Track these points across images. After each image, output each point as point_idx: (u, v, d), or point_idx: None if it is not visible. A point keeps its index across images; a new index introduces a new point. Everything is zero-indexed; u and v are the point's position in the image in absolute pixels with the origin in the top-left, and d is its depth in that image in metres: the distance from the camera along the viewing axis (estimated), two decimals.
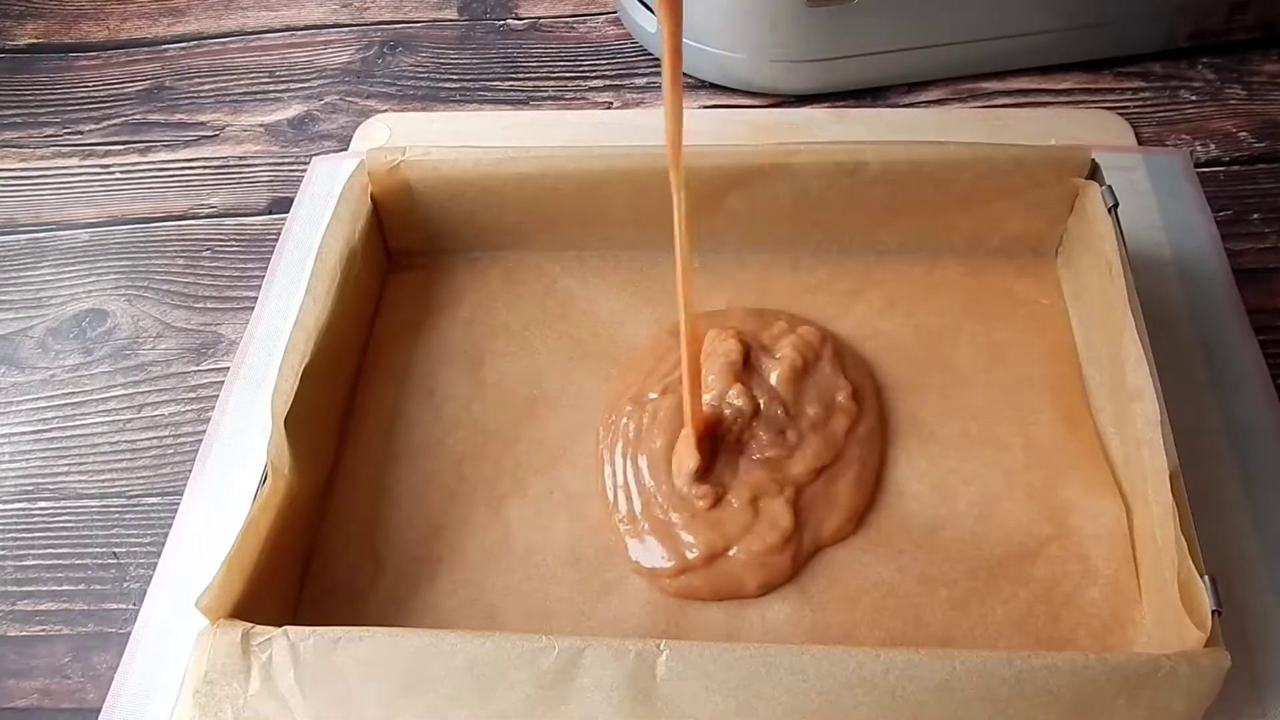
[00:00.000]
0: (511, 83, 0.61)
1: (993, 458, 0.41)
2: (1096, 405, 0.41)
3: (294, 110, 0.61)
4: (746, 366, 0.43)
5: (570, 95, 0.60)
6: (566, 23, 0.65)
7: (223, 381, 0.47)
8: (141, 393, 0.48)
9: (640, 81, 0.60)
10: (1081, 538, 0.38)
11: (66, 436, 0.47)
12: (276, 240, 0.52)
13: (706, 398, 0.42)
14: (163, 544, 0.42)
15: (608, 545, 0.39)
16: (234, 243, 0.54)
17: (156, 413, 0.47)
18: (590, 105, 0.59)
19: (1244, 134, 0.55)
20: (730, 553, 0.39)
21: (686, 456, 0.40)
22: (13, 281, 0.53)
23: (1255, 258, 0.49)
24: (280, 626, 0.33)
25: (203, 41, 0.66)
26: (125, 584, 0.42)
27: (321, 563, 0.39)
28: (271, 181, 0.57)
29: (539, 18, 0.66)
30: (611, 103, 0.59)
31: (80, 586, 0.42)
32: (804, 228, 0.46)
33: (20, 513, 0.44)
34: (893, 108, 0.57)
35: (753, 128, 0.56)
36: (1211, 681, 0.31)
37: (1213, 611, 0.31)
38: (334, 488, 0.41)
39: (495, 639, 0.32)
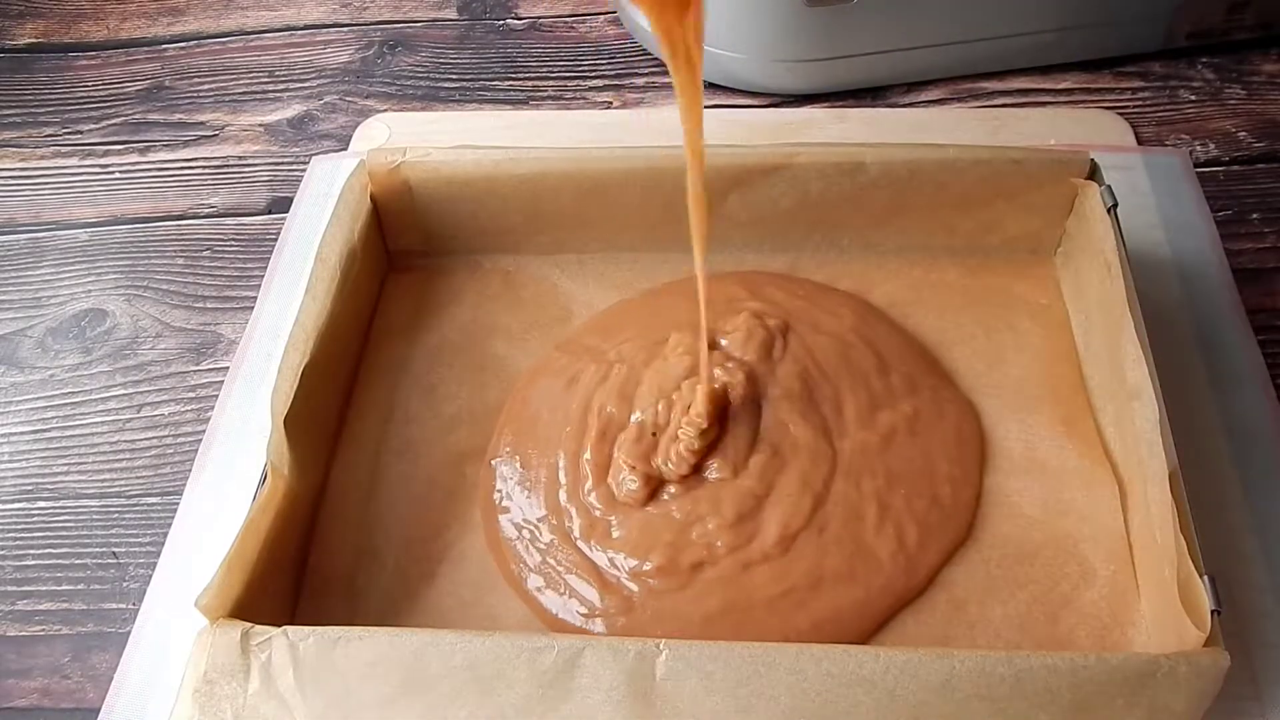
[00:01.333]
0: (511, 83, 0.61)
1: (991, 459, 0.41)
2: (1096, 405, 0.41)
3: (293, 110, 0.61)
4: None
5: (570, 95, 0.60)
6: (566, 22, 0.65)
7: (222, 381, 0.47)
8: (141, 392, 0.48)
9: (640, 81, 0.60)
10: (1080, 538, 0.38)
11: (66, 436, 0.47)
12: (276, 240, 0.52)
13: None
14: (162, 544, 0.42)
15: None
16: (233, 242, 0.54)
17: (156, 412, 0.47)
18: (590, 105, 0.59)
19: (1243, 134, 0.55)
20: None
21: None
22: (12, 281, 0.53)
23: (1254, 257, 0.49)
24: (280, 626, 0.33)
25: (202, 41, 0.66)
26: (125, 584, 0.42)
27: (321, 562, 0.39)
28: (271, 181, 0.57)
29: (538, 17, 0.66)
30: (611, 103, 0.59)
31: (80, 586, 0.42)
32: (803, 229, 0.46)
33: (20, 512, 0.44)
34: (892, 107, 0.57)
35: (753, 128, 0.56)
36: (1211, 681, 0.31)
37: (1212, 611, 0.31)
38: (334, 487, 0.41)
39: (495, 638, 0.32)
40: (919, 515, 0.39)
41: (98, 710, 0.38)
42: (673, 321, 0.44)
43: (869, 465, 0.40)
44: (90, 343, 0.50)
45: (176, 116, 0.61)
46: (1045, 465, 0.40)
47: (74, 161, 0.59)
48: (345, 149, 0.57)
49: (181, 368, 0.49)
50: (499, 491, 0.40)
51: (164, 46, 0.66)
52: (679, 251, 0.47)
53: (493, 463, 0.41)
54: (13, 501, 0.45)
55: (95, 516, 0.44)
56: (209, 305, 0.51)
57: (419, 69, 0.63)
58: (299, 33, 0.66)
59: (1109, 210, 0.41)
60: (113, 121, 0.61)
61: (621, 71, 0.61)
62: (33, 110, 0.62)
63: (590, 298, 0.47)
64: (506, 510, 0.40)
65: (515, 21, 0.66)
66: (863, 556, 0.38)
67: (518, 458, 0.41)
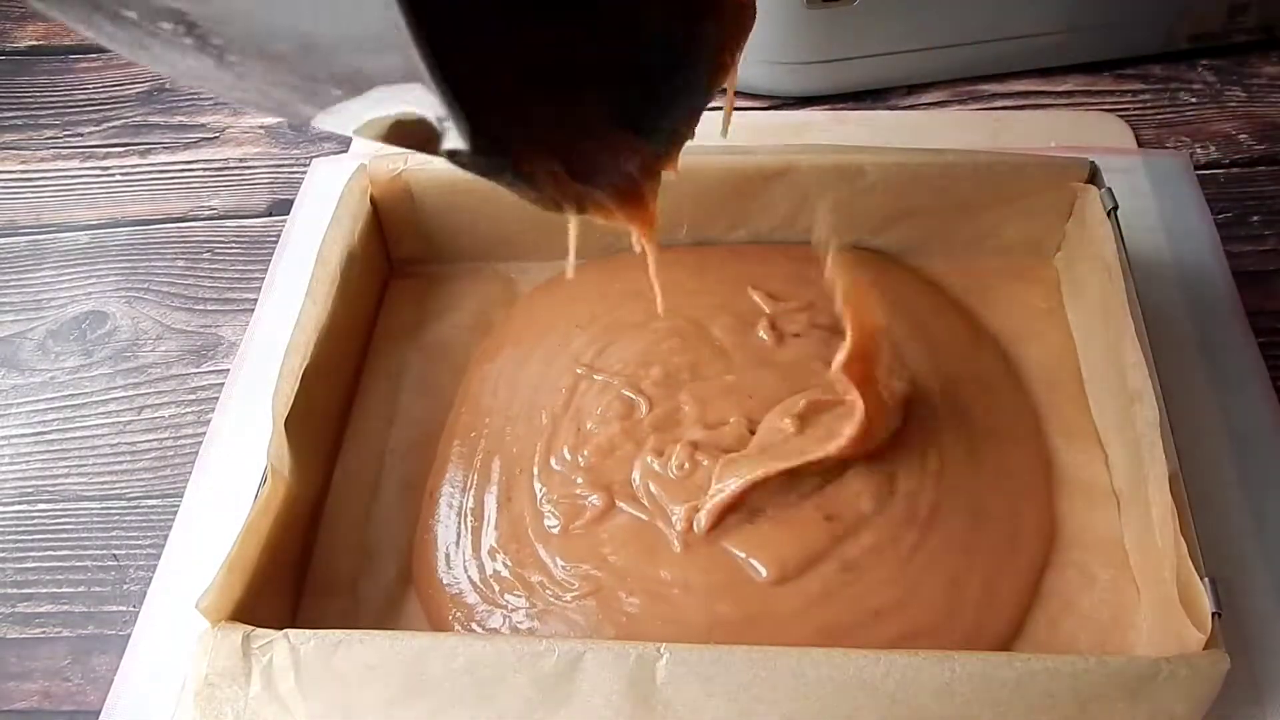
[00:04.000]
0: None
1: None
2: (1096, 408, 0.41)
3: None
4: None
5: None
6: None
7: (223, 384, 0.47)
8: (141, 395, 0.48)
9: None
10: (1080, 542, 0.38)
11: (66, 439, 0.47)
12: (276, 242, 0.52)
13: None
14: (162, 546, 0.42)
15: None
16: (234, 245, 0.54)
17: (156, 415, 0.47)
18: None
19: (1244, 136, 0.55)
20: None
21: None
22: (13, 283, 0.53)
23: (1255, 260, 0.49)
24: (280, 628, 0.33)
25: None
26: (125, 586, 0.42)
27: (321, 564, 0.39)
28: (272, 184, 0.57)
29: None
30: None
31: (80, 589, 0.42)
32: (803, 232, 0.46)
33: (20, 515, 0.44)
34: (893, 110, 0.57)
35: (752, 130, 0.56)
36: (1211, 683, 0.31)
37: (1212, 613, 0.31)
38: (336, 490, 0.41)
39: (495, 641, 0.32)
40: (1026, 562, 0.37)
41: (98, 712, 0.38)
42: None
43: (983, 504, 0.38)
44: (91, 345, 0.50)
45: (177, 119, 0.61)
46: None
47: (75, 164, 0.59)
48: (346, 151, 0.57)
49: (182, 370, 0.49)
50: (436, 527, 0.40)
51: None
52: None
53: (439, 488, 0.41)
54: (13, 504, 0.45)
55: (95, 519, 0.44)
56: (209, 308, 0.51)
57: None
58: None
59: (1109, 213, 0.41)
60: (113, 124, 0.61)
61: None
62: (34, 113, 0.62)
63: (597, 307, 0.46)
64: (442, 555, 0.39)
65: None
66: (968, 638, 0.36)
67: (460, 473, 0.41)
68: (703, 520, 0.37)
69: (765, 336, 0.42)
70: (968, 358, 0.43)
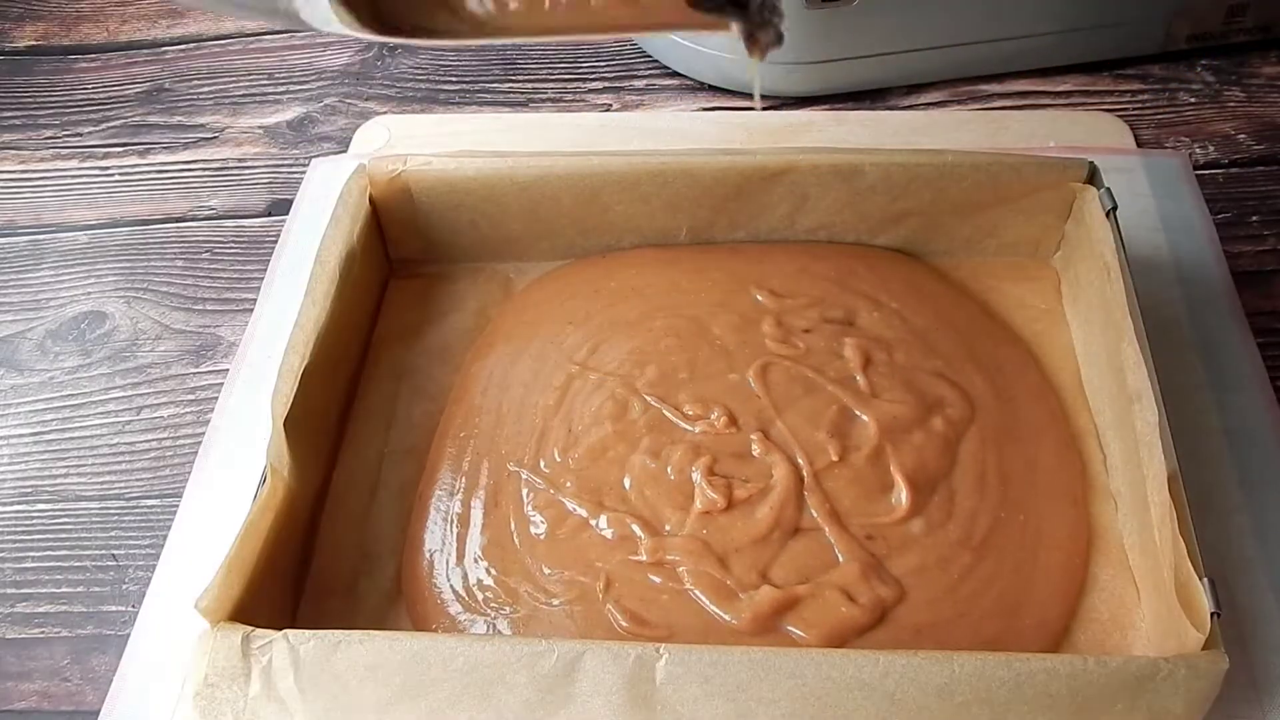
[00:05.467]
0: (511, 84, 0.61)
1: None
2: (1095, 408, 0.41)
3: (293, 112, 0.61)
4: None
5: (570, 98, 0.60)
6: None
7: (222, 383, 0.47)
8: (140, 395, 0.48)
9: (640, 83, 0.60)
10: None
11: (65, 439, 0.47)
12: (275, 242, 0.52)
13: None
14: (161, 546, 0.42)
15: None
16: (233, 245, 0.54)
17: (155, 415, 0.47)
18: (590, 107, 0.59)
19: (1243, 136, 0.55)
20: None
21: None
22: (12, 283, 0.53)
23: (1254, 260, 0.49)
24: (279, 628, 0.33)
25: (202, 43, 0.66)
26: (124, 586, 0.42)
27: (321, 565, 0.39)
28: (271, 184, 0.57)
29: None
30: (611, 104, 0.59)
31: (79, 589, 0.42)
32: (803, 234, 0.46)
33: (19, 515, 0.44)
34: (892, 110, 0.57)
35: (751, 130, 0.56)
36: (1210, 683, 0.31)
37: (1212, 613, 0.31)
38: (335, 491, 0.41)
39: (494, 642, 0.32)
40: (1075, 583, 0.37)
41: (97, 713, 0.38)
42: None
43: (1038, 521, 0.38)
44: (90, 345, 0.50)
45: (176, 119, 0.61)
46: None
47: (74, 164, 0.59)
48: (345, 151, 0.57)
49: (181, 370, 0.49)
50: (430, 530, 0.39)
51: (164, 49, 0.66)
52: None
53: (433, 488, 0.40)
54: (12, 504, 0.45)
55: (94, 519, 0.44)
56: (209, 308, 0.51)
57: (419, 71, 0.63)
58: (299, 35, 0.66)
59: (1108, 213, 0.41)
60: (112, 124, 0.61)
61: (621, 73, 0.61)
62: (33, 113, 0.62)
63: (591, 304, 0.46)
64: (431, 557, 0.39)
65: None
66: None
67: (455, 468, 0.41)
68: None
69: (771, 333, 0.42)
70: (998, 352, 0.43)
